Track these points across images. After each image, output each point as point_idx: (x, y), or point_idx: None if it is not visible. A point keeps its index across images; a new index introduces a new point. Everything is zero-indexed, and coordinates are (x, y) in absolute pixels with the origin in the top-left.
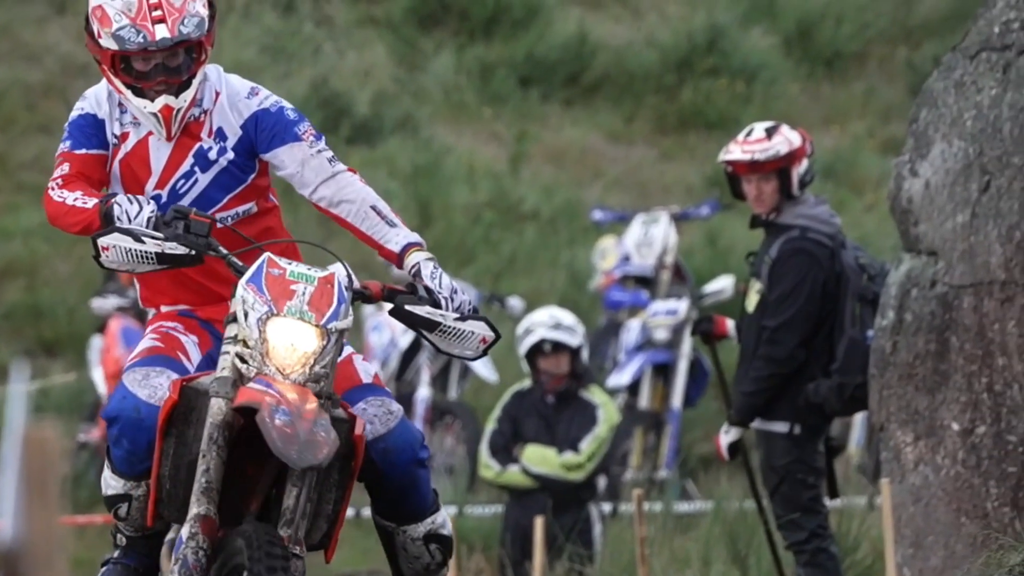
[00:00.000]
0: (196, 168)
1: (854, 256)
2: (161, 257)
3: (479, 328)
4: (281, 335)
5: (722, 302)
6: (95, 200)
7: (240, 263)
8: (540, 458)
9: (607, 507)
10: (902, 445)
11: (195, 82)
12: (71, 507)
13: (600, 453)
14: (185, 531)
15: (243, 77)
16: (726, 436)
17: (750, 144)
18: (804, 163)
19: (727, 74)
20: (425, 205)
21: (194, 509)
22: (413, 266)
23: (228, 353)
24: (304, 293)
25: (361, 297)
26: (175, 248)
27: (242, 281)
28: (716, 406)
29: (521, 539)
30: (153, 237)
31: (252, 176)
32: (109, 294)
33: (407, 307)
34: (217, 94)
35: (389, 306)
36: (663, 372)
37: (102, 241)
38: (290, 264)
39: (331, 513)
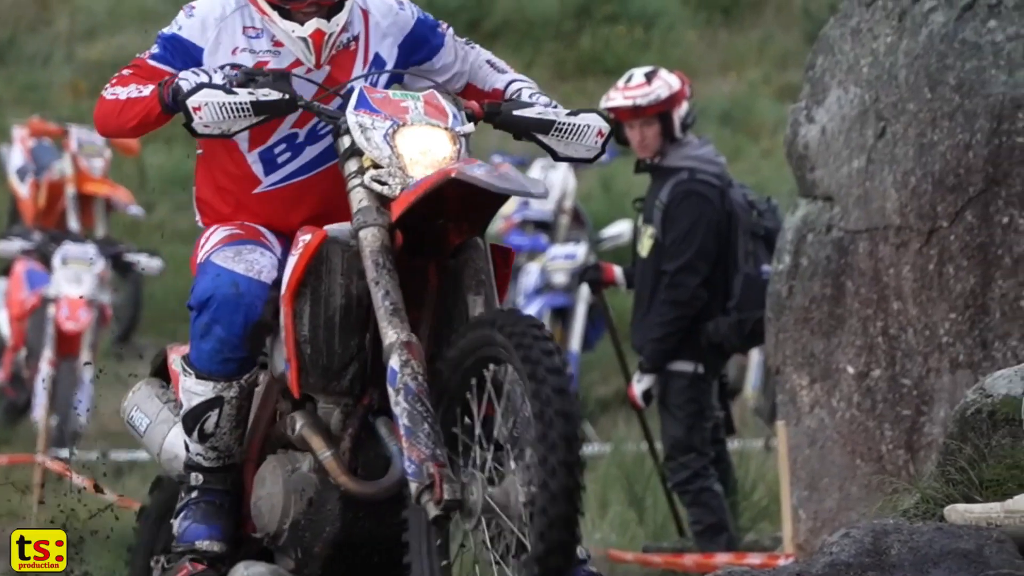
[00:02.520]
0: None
1: (742, 194)
2: (257, 106)
3: (594, 120)
4: (414, 143)
5: (620, 246)
6: (152, 86)
7: (329, 108)
8: None
9: None
10: (798, 388)
11: (348, 4)
12: None
13: None
14: (395, 361)
15: (147, 24)
16: (639, 384)
17: (631, 90)
18: (684, 106)
19: (625, 21)
20: None
21: (392, 335)
22: (515, 92)
23: (359, 186)
24: (416, 108)
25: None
26: (269, 94)
27: (348, 111)
28: (614, 349)
29: None
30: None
31: None
32: (14, 237)
33: (515, 113)
34: (365, 14)
35: None
36: (562, 315)
37: (192, 101)
38: (387, 89)
39: None
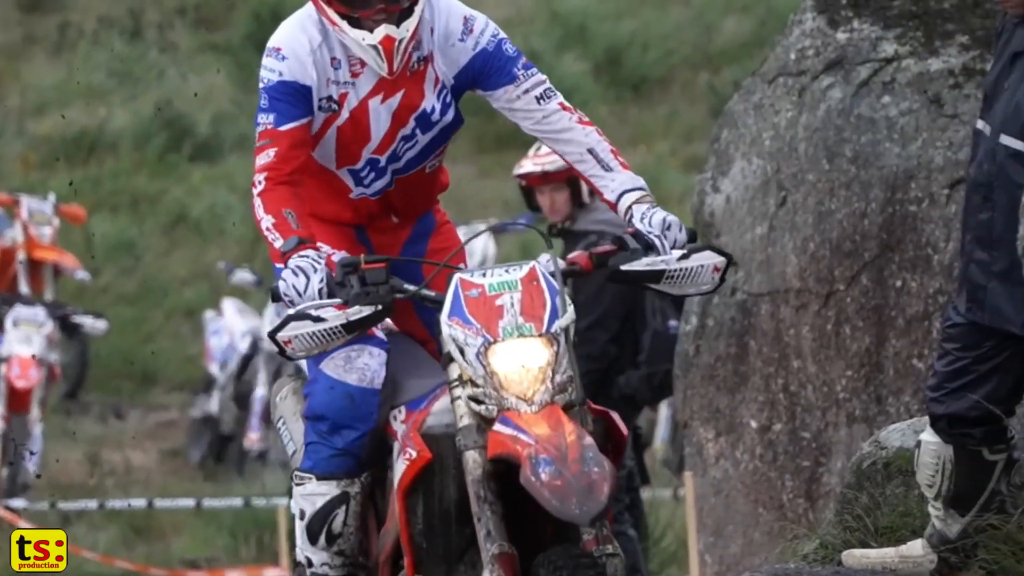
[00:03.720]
0: (417, 131)
1: None
2: (348, 327)
3: (707, 259)
4: (507, 361)
5: None
6: (281, 240)
7: (433, 294)
8: None
9: None
10: (704, 441)
11: (417, 9)
12: None
13: None
14: None
15: (93, 100)
16: None
17: (540, 158)
18: None
19: None
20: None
21: (488, 553)
22: (626, 211)
23: (459, 398)
24: (513, 304)
25: (572, 275)
26: (360, 312)
27: (443, 319)
28: None
29: None
30: (329, 305)
31: (452, 130)
32: None
33: (623, 268)
34: (433, 32)
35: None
36: None
37: (281, 336)
38: (485, 277)
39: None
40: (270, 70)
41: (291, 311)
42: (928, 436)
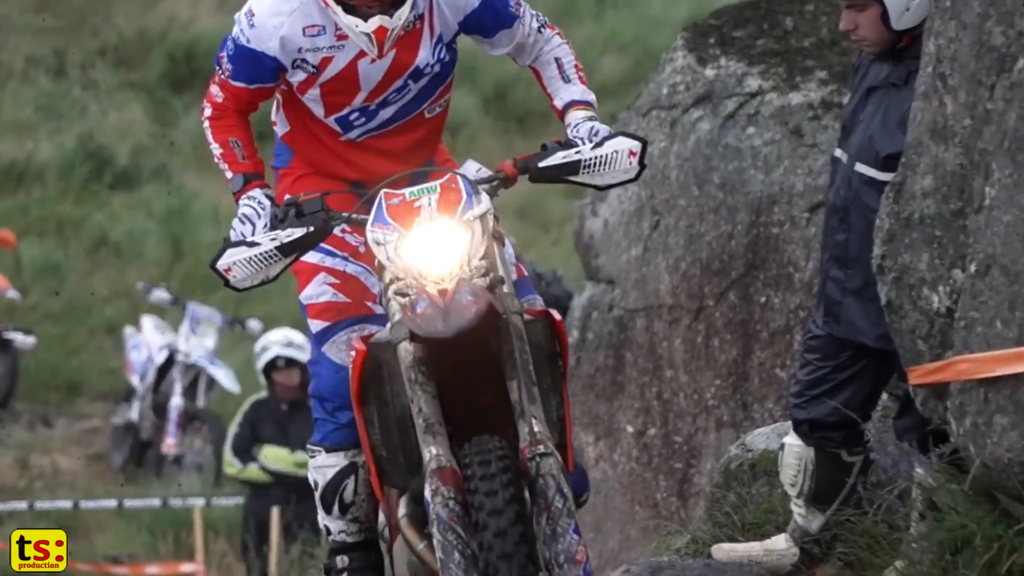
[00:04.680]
0: (410, 81)
1: (531, 267)
2: (284, 248)
3: (621, 144)
4: (423, 248)
5: None
6: (231, 174)
7: (363, 216)
8: (276, 457)
9: None
10: (585, 445)
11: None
12: None
13: None
14: (427, 491)
15: (21, 134)
16: None
17: None
18: None
19: None
20: (177, 243)
21: (426, 459)
22: (567, 123)
23: (390, 299)
24: (430, 204)
25: (497, 181)
26: (292, 235)
27: (368, 227)
28: None
29: (260, 526)
30: (266, 236)
31: (453, 70)
32: None
33: (541, 165)
34: None
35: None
36: None
37: (220, 265)
38: (407, 188)
39: (557, 420)
40: (240, 30)
41: (249, 229)
42: (791, 439)
